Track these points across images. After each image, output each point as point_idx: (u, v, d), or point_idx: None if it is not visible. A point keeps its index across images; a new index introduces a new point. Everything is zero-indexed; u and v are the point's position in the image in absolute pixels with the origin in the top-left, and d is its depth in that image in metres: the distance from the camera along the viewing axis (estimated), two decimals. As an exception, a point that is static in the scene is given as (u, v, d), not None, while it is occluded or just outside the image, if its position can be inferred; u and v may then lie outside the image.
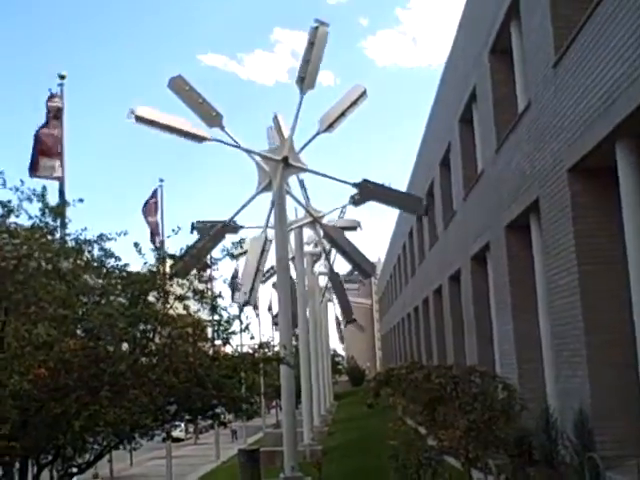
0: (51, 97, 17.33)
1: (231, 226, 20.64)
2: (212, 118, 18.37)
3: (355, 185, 18.92)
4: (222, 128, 18.51)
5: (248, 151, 19.99)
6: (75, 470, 12.19)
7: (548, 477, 12.84)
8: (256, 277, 17.40)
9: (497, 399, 12.48)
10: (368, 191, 18.68)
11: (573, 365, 13.30)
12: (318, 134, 19.86)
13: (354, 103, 19.49)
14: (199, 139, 18.40)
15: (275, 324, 46.12)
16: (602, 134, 11.48)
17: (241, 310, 14.31)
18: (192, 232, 20.08)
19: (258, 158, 20.03)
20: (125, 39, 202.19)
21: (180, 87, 17.92)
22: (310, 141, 20.08)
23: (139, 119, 17.62)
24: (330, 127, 19.70)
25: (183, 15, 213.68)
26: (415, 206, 20.39)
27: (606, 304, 12.57)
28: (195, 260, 14.90)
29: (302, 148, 20.06)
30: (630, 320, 11.61)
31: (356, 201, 18.75)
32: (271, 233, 19.73)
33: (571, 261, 13.15)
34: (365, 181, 18.77)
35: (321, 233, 33.74)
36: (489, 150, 19.68)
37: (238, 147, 19.31)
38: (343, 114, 19.54)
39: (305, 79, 18.38)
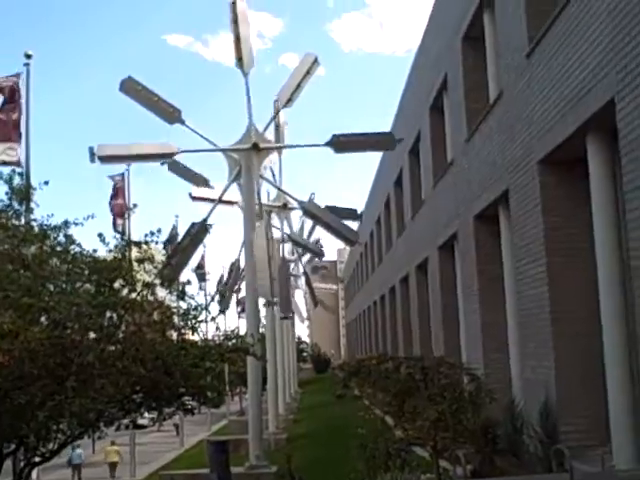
0: (6, 78, 16.75)
1: (204, 182, 20.67)
2: (170, 114, 18.18)
3: (327, 143, 18.83)
4: (182, 122, 18.34)
5: (217, 150, 19.97)
6: (38, 459, 12.01)
7: (514, 467, 12.92)
8: (270, 268, 17.25)
9: (465, 390, 12.49)
10: (341, 144, 18.68)
11: (539, 356, 13.38)
12: (278, 111, 19.81)
13: (307, 73, 19.39)
14: (168, 156, 18.18)
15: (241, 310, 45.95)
16: (573, 127, 11.49)
17: (212, 299, 14.13)
18: (162, 164, 19.95)
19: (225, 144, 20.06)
20: (89, 18, 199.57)
21: (133, 88, 17.67)
22: (273, 119, 20.09)
23: (103, 159, 17.38)
24: (289, 102, 19.65)
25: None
26: (388, 143, 20.46)
27: (573, 296, 12.63)
28: (181, 263, 14.76)
29: (266, 127, 20.07)
30: (597, 312, 11.69)
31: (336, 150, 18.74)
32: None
33: (540, 252, 13.19)
34: (335, 136, 18.72)
35: (283, 225, 33.87)
36: (459, 139, 19.64)
37: (207, 146, 19.32)
38: (299, 86, 19.44)
39: (242, 59, 18.23)
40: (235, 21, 17.93)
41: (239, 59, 18.35)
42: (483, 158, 17.21)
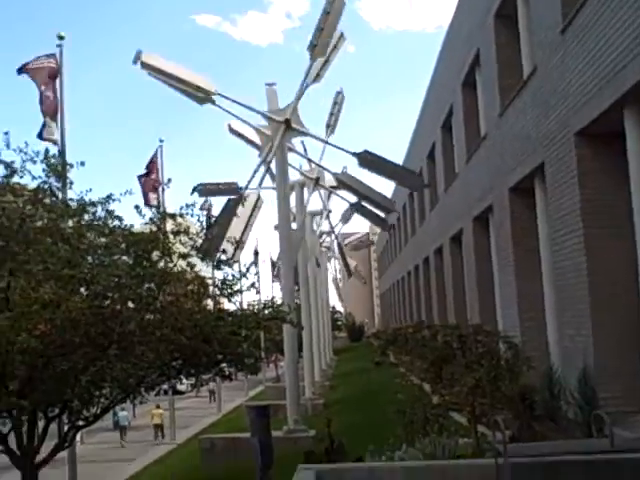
0: (46, 57, 16.85)
1: (235, 190, 20.85)
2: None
3: (355, 154, 18.87)
4: (213, 102, 18.54)
5: (252, 109, 19.97)
6: (82, 423, 12.33)
7: (552, 431, 12.94)
8: (244, 233, 17.50)
9: (502, 358, 12.55)
10: (367, 161, 18.70)
11: (577, 324, 13.39)
12: (307, 86, 19.81)
13: (334, 48, 19.41)
14: (204, 93, 18.29)
15: (276, 276, 46.19)
16: (610, 100, 11.40)
17: (248, 270, 14.21)
18: (192, 194, 20.28)
19: (259, 122, 20.10)
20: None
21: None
22: (301, 95, 20.04)
23: (145, 65, 17.55)
24: (317, 77, 19.68)
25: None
26: (413, 182, 20.50)
27: (611, 266, 12.62)
28: (219, 237, 14.93)
29: (295, 103, 20.00)
30: (635, 282, 11.69)
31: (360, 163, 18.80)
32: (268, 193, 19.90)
33: (577, 223, 13.16)
34: (365, 152, 18.73)
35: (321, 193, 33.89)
36: (493, 114, 19.55)
37: (241, 107, 19.37)
38: (327, 61, 19.46)
39: (317, 46, 18.23)
40: (328, 12, 17.99)
41: (314, 45, 18.39)
42: (517, 132, 17.16)
